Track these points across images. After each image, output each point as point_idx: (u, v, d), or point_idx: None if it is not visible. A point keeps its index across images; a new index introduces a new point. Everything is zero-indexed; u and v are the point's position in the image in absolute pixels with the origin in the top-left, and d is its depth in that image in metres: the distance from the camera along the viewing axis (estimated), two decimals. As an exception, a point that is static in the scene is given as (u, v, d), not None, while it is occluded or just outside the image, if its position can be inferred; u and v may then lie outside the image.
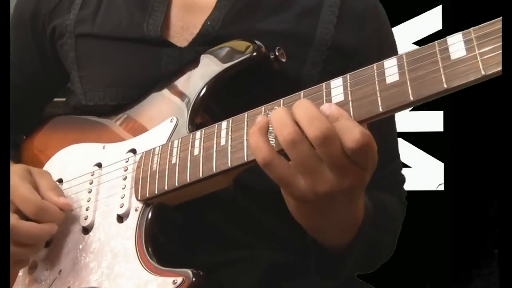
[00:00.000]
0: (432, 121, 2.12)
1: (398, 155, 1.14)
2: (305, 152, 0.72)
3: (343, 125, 0.71)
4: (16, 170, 0.95)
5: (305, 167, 0.72)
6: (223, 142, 0.83)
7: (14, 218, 0.90)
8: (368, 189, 0.86)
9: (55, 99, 1.30)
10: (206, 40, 1.02)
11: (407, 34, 2.01)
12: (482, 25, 0.66)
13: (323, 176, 0.72)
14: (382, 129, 0.78)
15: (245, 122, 0.82)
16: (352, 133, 0.70)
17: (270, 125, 0.76)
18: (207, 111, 0.96)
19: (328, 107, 0.72)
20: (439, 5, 2.12)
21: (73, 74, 1.13)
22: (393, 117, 1.12)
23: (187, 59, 1.02)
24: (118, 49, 1.07)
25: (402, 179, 1.14)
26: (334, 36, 1.03)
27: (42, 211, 0.91)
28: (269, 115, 0.77)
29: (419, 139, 2.10)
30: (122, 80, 1.06)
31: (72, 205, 0.97)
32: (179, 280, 0.82)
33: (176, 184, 0.87)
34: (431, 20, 2.11)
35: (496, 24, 0.65)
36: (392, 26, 1.14)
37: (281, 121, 0.72)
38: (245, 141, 0.81)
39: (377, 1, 1.11)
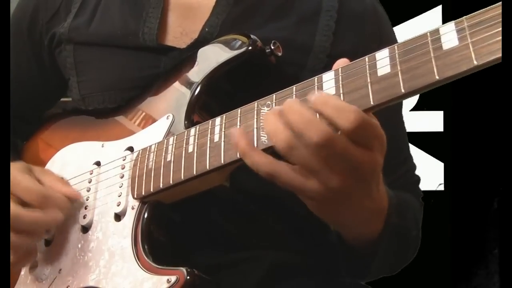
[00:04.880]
0: (432, 121, 2.12)
1: (410, 156, 1.13)
2: (305, 153, 0.70)
3: (333, 107, 0.69)
4: (16, 166, 0.96)
5: (309, 167, 0.71)
6: (216, 138, 0.83)
7: (17, 208, 0.90)
8: None
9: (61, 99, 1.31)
10: (205, 45, 1.01)
11: (407, 34, 2.01)
12: (474, 13, 0.65)
13: (331, 170, 0.71)
14: (391, 131, 0.76)
15: (238, 118, 0.81)
16: (345, 113, 0.68)
17: (262, 121, 0.76)
18: (204, 107, 0.96)
19: (315, 95, 0.71)
20: (439, 5, 2.12)
21: (71, 80, 1.13)
22: (401, 118, 1.11)
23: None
24: (115, 54, 1.08)
25: (417, 179, 1.12)
26: (333, 43, 1.03)
27: (46, 198, 0.92)
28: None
29: (419, 139, 2.10)
30: (121, 82, 1.06)
31: (78, 197, 0.97)
32: (173, 278, 0.82)
33: (171, 181, 0.87)
34: (431, 20, 2.11)
35: (488, 12, 0.64)
36: (392, 26, 1.14)
37: (274, 126, 0.71)
38: None
39: (376, 3, 1.10)
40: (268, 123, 0.72)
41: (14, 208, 0.90)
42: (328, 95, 0.72)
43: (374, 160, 0.72)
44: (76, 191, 0.98)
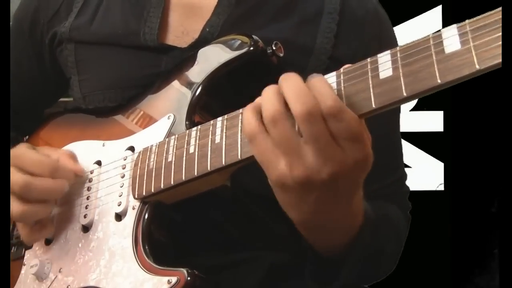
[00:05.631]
0: (432, 121, 2.12)
1: (403, 165, 1.12)
2: (285, 130, 0.70)
3: (319, 88, 0.70)
4: (21, 145, 0.98)
5: (284, 146, 0.71)
6: (217, 139, 0.83)
7: (27, 177, 0.92)
8: (372, 198, 0.85)
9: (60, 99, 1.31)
10: (206, 45, 1.02)
11: (407, 34, 2.01)
12: (477, 17, 0.65)
13: (301, 158, 0.70)
14: (385, 136, 0.76)
15: (240, 119, 0.81)
16: (324, 98, 0.69)
17: None
18: (205, 108, 0.96)
19: (315, 75, 0.72)
20: (439, 5, 2.12)
21: (73, 79, 1.13)
22: (398, 126, 1.11)
23: None
24: (116, 53, 1.08)
25: (407, 190, 1.12)
26: (334, 45, 1.03)
27: (57, 169, 0.94)
28: None
29: (419, 139, 2.10)
30: (122, 81, 1.06)
31: (82, 174, 0.99)
32: (173, 279, 0.82)
33: (172, 182, 0.87)
34: (431, 20, 2.11)
35: (492, 16, 0.64)
36: (392, 26, 1.14)
37: (268, 96, 0.72)
38: (240, 139, 0.80)
39: (378, 6, 1.10)
40: (264, 92, 0.73)
41: (24, 178, 0.91)
42: (322, 79, 0.72)
43: (343, 163, 0.71)
44: (81, 168, 1.00)
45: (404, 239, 1.05)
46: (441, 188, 2.12)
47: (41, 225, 0.96)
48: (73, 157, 1.01)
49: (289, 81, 0.71)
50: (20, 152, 0.95)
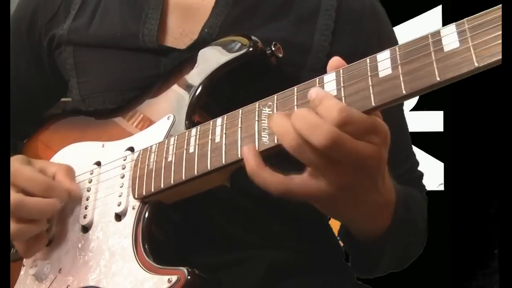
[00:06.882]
0: (432, 121, 2.12)
1: (413, 153, 1.14)
2: (313, 154, 0.70)
3: (325, 106, 0.70)
4: (16, 158, 0.97)
5: (319, 169, 0.71)
6: (217, 139, 0.83)
7: (20, 195, 0.91)
8: None
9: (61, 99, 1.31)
10: (205, 46, 1.02)
11: (407, 34, 2.01)
12: (475, 15, 0.65)
13: (341, 171, 0.71)
14: (395, 127, 0.76)
15: (239, 119, 0.82)
16: (332, 113, 0.69)
17: (263, 121, 0.76)
18: (205, 108, 0.96)
19: (314, 91, 0.72)
20: (439, 5, 2.12)
21: (71, 81, 1.13)
22: (403, 115, 1.12)
23: None
24: (115, 55, 1.08)
25: (420, 174, 1.13)
26: (332, 42, 1.03)
27: (50, 188, 0.93)
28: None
29: (419, 139, 2.10)
30: (122, 83, 1.06)
31: (78, 193, 0.98)
32: (174, 278, 0.82)
33: (172, 182, 0.87)
34: (431, 20, 2.12)
35: (489, 14, 0.64)
36: (392, 26, 1.14)
37: (283, 130, 0.71)
38: (239, 138, 0.80)
39: (375, 0, 1.10)
40: (276, 124, 0.73)
41: (15, 197, 0.90)
42: (325, 93, 0.72)
43: (378, 154, 0.72)
44: (77, 186, 0.98)
45: (426, 217, 1.05)
46: (441, 188, 2.12)
47: (36, 239, 0.95)
48: (69, 173, 0.99)
49: (299, 117, 0.70)
50: (14, 168, 0.94)
